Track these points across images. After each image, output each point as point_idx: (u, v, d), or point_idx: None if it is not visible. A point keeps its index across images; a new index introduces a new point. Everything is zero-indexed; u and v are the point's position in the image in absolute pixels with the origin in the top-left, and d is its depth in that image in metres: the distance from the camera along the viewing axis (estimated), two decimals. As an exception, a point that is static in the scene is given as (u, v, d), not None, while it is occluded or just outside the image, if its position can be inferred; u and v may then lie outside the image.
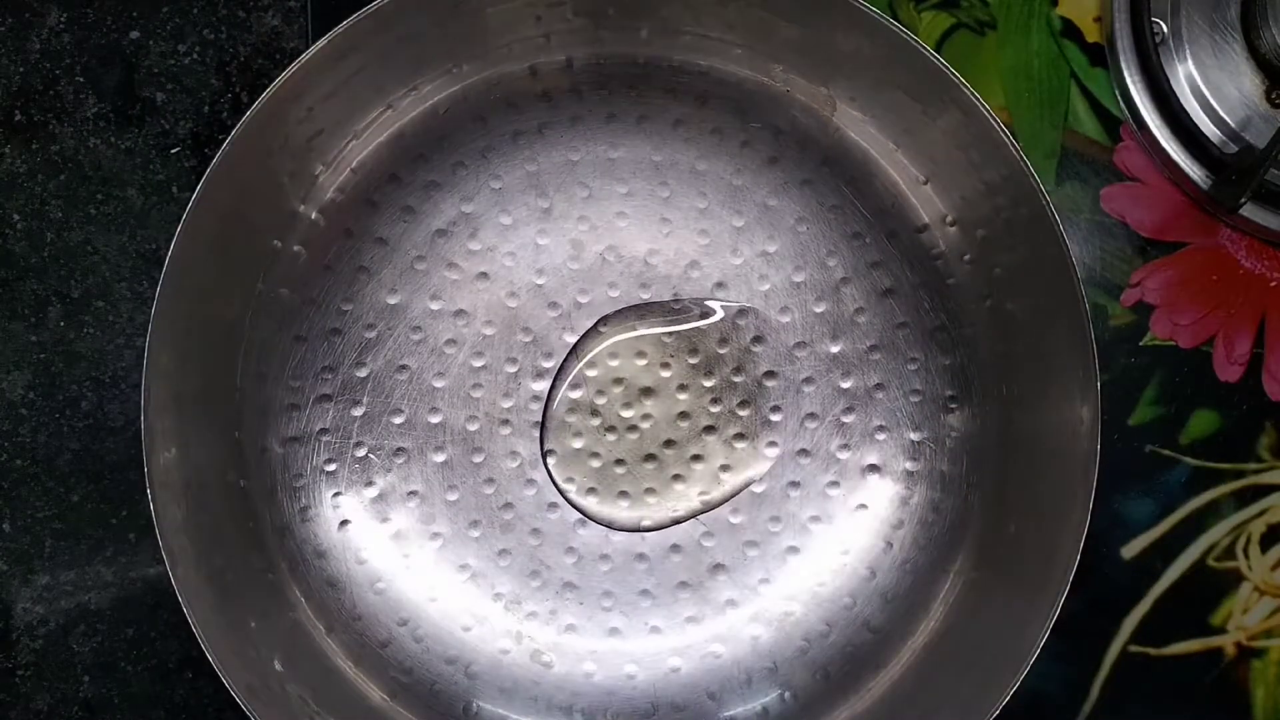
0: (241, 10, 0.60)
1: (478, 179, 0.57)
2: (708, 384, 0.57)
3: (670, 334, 0.57)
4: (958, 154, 0.54)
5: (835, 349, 0.57)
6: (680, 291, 0.57)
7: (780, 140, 0.57)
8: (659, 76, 0.56)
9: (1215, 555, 0.59)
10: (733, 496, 0.57)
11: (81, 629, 0.59)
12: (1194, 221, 0.59)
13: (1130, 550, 0.59)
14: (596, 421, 0.57)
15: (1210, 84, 0.58)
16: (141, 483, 0.50)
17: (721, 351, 0.57)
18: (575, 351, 0.57)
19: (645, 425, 0.57)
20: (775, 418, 0.57)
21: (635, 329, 0.57)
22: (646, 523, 0.57)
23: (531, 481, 0.57)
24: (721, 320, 0.57)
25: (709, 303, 0.57)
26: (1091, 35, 0.60)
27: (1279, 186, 0.57)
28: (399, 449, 0.57)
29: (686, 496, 0.57)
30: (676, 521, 0.57)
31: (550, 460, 0.57)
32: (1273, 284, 0.60)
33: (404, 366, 0.57)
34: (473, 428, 0.57)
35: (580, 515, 0.57)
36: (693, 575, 0.57)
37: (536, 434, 0.57)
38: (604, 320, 0.57)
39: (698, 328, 0.57)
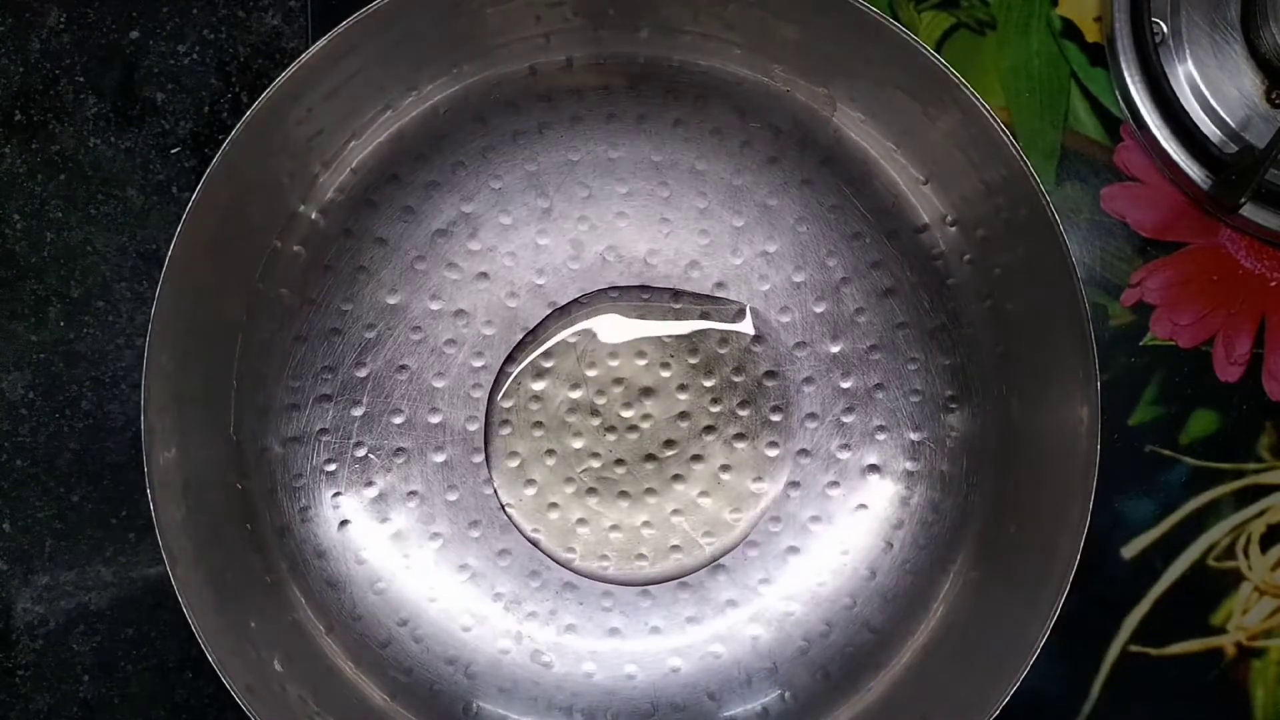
0: (241, 10, 0.60)
1: (478, 179, 0.57)
2: (708, 384, 0.57)
3: (674, 334, 0.57)
4: (958, 154, 0.54)
5: (835, 349, 0.57)
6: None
7: (780, 140, 0.57)
8: (659, 76, 0.56)
9: (1215, 555, 0.59)
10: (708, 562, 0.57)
11: (81, 629, 0.59)
12: (1194, 221, 0.59)
13: (1130, 550, 0.59)
14: (596, 421, 0.57)
15: (1210, 84, 0.58)
16: (141, 483, 0.50)
17: (721, 351, 0.57)
18: (532, 342, 0.57)
19: (645, 425, 0.58)
20: (775, 418, 0.57)
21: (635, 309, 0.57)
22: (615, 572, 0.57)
23: (531, 481, 0.57)
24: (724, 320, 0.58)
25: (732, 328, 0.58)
26: (1091, 35, 0.60)
27: (1279, 186, 0.57)
28: (399, 449, 0.57)
29: (686, 497, 0.57)
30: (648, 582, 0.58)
31: (550, 460, 0.57)
32: (1273, 284, 0.60)
33: (404, 366, 0.57)
34: (473, 428, 0.57)
35: (580, 518, 0.57)
36: (693, 575, 0.57)
37: (537, 434, 0.57)
38: (587, 298, 0.57)
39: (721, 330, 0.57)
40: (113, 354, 0.60)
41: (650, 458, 0.58)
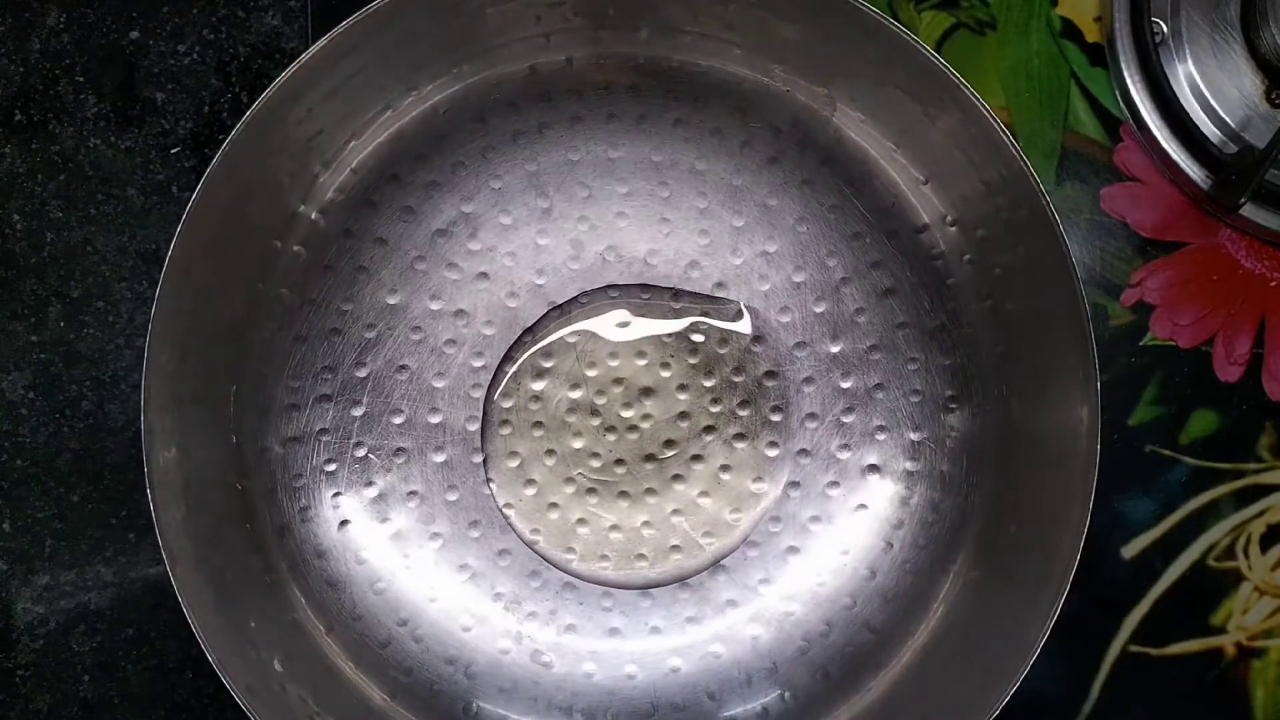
0: (241, 10, 0.60)
1: (478, 179, 0.57)
2: (708, 384, 0.57)
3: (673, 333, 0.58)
4: (958, 154, 0.54)
5: (835, 349, 0.57)
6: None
7: (780, 140, 0.57)
8: (659, 76, 0.56)
9: (1215, 555, 0.59)
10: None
11: (81, 629, 0.59)
12: (1194, 221, 0.59)
13: (1130, 550, 0.59)
14: (596, 421, 0.57)
15: (1210, 84, 0.58)
16: (141, 483, 0.50)
17: (721, 351, 0.58)
18: (528, 339, 0.57)
19: (645, 425, 0.57)
20: (775, 418, 0.57)
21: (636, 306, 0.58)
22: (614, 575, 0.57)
23: (531, 481, 0.57)
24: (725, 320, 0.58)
25: (728, 326, 0.58)
26: (1091, 35, 0.60)
27: (1279, 186, 0.57)
28: (399, 449, 0.57)
29: (686, 497, 0.57)
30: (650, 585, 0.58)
31: (550, 460, 0.57)
32: (1273, 284, 0.60)
33: (404, 366, 0.57)
34: (472, 428, 0.57)
35: (579, 519, 0.57)
36: (693, 575, 0.57)
37: (537, 434, 0.57)
38: (586, 295, 0.58)
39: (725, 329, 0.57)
40: (113, 354, 0.60)
41: (650, 458, 0.58)
